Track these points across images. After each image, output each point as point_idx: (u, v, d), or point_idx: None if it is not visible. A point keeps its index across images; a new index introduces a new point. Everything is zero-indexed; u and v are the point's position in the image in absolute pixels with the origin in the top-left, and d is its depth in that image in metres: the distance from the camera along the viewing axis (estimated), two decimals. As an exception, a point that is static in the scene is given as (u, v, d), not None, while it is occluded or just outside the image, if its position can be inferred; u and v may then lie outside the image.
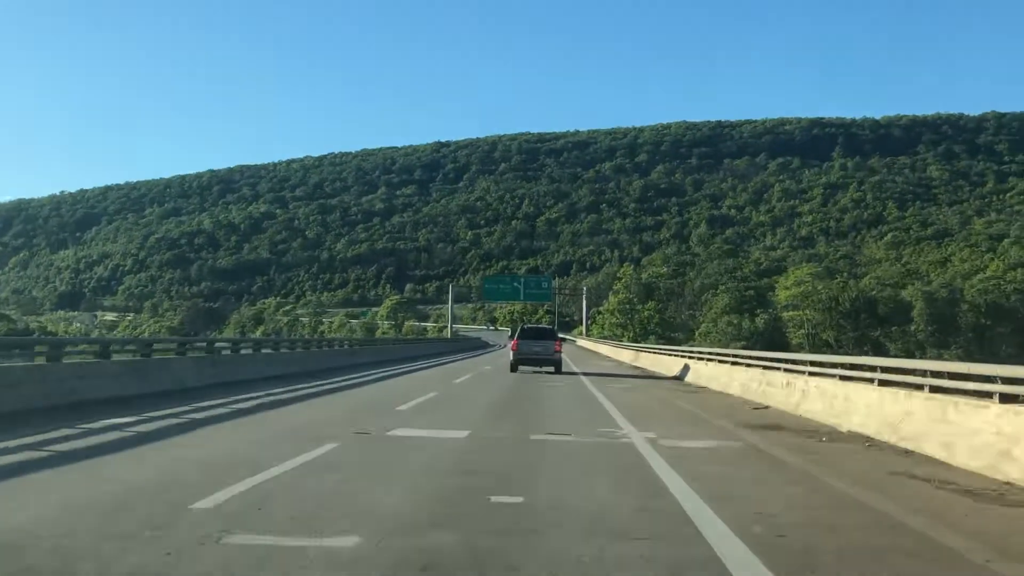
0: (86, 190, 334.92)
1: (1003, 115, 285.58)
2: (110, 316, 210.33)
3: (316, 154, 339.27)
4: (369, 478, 9.17)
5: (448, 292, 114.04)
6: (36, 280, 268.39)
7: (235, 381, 22.52)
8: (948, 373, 12.77)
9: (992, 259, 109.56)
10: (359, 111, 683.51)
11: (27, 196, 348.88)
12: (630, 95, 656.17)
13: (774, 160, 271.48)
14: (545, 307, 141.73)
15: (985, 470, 9.99)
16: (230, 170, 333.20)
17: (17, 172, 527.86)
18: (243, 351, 28.52)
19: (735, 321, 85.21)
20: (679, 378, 32.25)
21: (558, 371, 34.23)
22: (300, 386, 22.93)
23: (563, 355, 38.19)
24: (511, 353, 35.22)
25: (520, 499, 8.06)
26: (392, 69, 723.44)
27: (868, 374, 15.11)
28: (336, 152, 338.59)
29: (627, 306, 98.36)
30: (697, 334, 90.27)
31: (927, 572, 6.22)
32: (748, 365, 24.19)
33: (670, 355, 40.71)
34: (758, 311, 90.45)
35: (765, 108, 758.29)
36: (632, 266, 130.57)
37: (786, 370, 20.20)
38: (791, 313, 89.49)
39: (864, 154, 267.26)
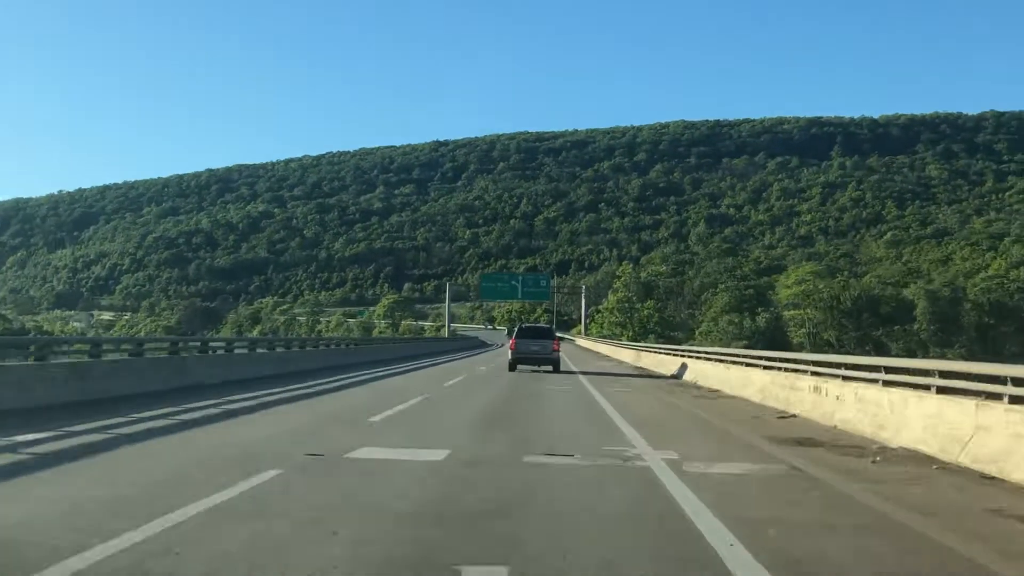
0: (84, 189, 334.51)
1: (1002, 114, 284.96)
2: (106, 316, 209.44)
3: (314, 153, 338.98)
4: (294, 532, 6.62)
5: (445, 291, 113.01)
6: (33, 279, 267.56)
7: (196, 385, 20.36)
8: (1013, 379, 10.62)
9: (994, 258, 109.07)
10: (357, 110, 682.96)
11: (25, 195, 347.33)
12: (628, 94, 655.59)
13: (773, 159, 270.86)
14: (544, 306, 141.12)
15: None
16: (228, 169, 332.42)
17: (15, 171, 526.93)
18: (219, 351, 26.54)
19: (736, 320, 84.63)
20: (687, 380, 30.26)
21: (556, 370, 34.55)
22: (270, 391, 20.44)
23: (562, 355, 38.70)
24: (509, 352, 35.47)
25: (503, 573, 5.69)
26: (391, 68, 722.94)
27: (922, 379, 13.03)
28: (334, 151, 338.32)
29: (626, 305, 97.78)
30: (697, 333, 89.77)
31: None
32: (767, 367, 22.03)
33: (674, 355, 38.52)
34: (759, 310, 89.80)
35: (763, 107, 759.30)
36: (631, 265, 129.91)
37: (814, 373, 18.08)
38: (792, 312, 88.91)
39: (863, 153, 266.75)
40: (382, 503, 7.96)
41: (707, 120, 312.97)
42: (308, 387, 23.14)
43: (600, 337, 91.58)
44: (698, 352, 34.29)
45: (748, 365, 24.09)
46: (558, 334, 43.70)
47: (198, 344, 27.23)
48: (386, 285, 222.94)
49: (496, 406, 19.18)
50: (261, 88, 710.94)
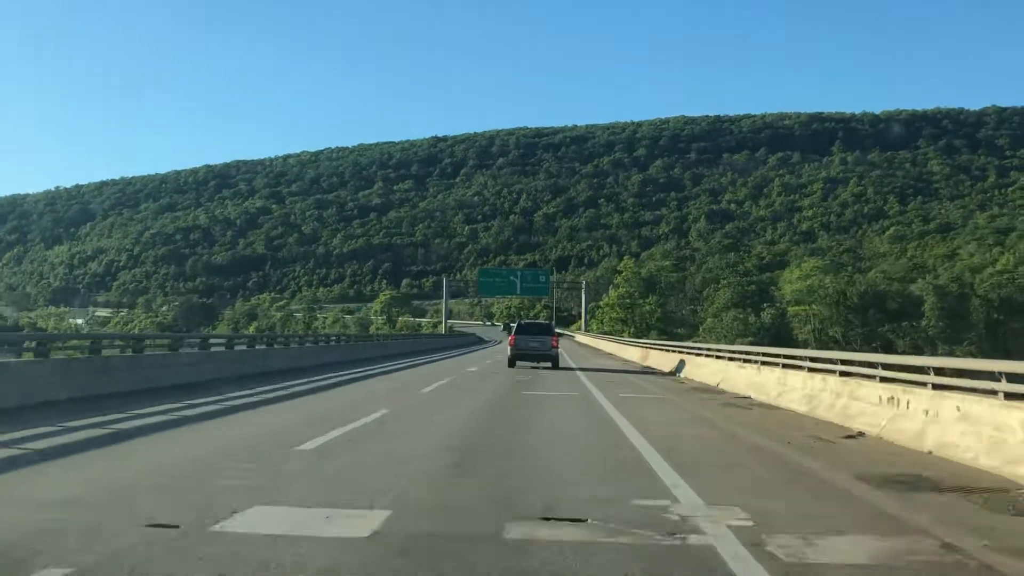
0: (81, 185, 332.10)
1: (1004, 109, 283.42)
2: (102, 312, 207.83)
3: (313, 149, 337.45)
4: None
5: (443, 287, 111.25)
6: (30, 276, 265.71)
7: (108, 394, 16.44)
8: None
9: (1001, 253, 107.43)
10: (356, 106, 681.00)
11: (22, 191, 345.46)
12: (628, 90, 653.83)
13: (773, 155, 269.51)
14: (543, 302, 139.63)
15: None
16: (226, 165, 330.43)
17: (12, 167, 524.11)
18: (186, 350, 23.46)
19: (741, 316, 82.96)
20: (706, 383, 26.54)
21: (555, 366, 34.70)
22: (194, 402, 16.37)
23: (563, 353, 39.33)
24: (508, 348, 35.58)
25: None
26: (389, 63, 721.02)
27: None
28: (333, 147, 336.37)
29: (628, 300, 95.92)
30: (701, 329, 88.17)
31: None
32: (814, 369, 18.45)
33: (688, 353, 34.65)
34: (764, 306, 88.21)
35: (764, 103, 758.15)
36: (633, 260, 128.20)
37: (885, 379, 14.42)
38: (797, 308, 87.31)
39: (864, 148, 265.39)
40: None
41: (707, 115, 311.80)
42: (249, 395, 18.58)
43: (601, 333, 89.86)
44: (720, 351, 29.92)
45: (786, 367, 20.37)
46: (557, 330, 43.53)
47: (128, 343, 24.18)
48: (384, 281, 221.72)
49: (478, 425, 14.68)
50: (260, 84, 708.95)
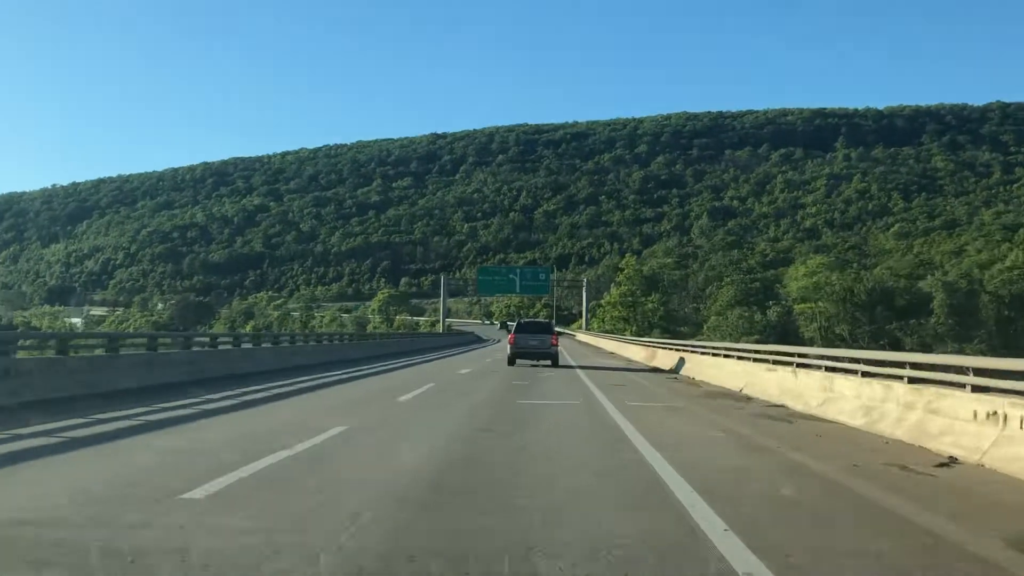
0: (78, 183, 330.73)
1: (1008, 105, 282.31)
2: (98, 311, 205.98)
3: (311, 146, 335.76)
4: None
5: (444, 286, 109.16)
6: (26, 274, 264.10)
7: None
8: None
9: (1010, 249, 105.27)
10: (355, 103, 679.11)
11: (18, 189, 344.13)
12: (629, 86, 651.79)
13: (776, 151, 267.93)
14: (543, 300, 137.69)
15: None
16: (224, 163, 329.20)
17: (9, 165, 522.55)
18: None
19: (747, 314, 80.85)
20: (727, 388, 23.32)
21: (555, 364, 34.53)
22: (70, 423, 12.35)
23: (564, 352, 39.05)
24: (508, 347, 35.44)
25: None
26: (389, 59, 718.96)
27: None
28: (331, 144, 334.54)
29: (630, 299, 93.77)
30: (706, 328, 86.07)
31: None
32: (868, 374, 15.21)
33: (702, 353, 31.10)
34: (770, 303, 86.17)
35: (766, 98, 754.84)
36: (635, 257, 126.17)
37: (978, 388, 11.20)
38: (802, 306, 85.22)
39: (867, 145, 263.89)
40: None
41: (709, 111, 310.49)
42: (191, 406, 15.39)
43: (602, 332, 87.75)
44: (743, 351, 26.02)
45: (831, 370, 17.05)
46: (557, 329, 42.97)
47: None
48: (383, 280, 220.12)
49: (454, 452, 10.78)
50: (258, 81, 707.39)
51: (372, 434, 12.61)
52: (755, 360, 23.21)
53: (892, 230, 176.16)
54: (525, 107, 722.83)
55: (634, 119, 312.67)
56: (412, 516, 7.06)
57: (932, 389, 12.43)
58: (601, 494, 8.22)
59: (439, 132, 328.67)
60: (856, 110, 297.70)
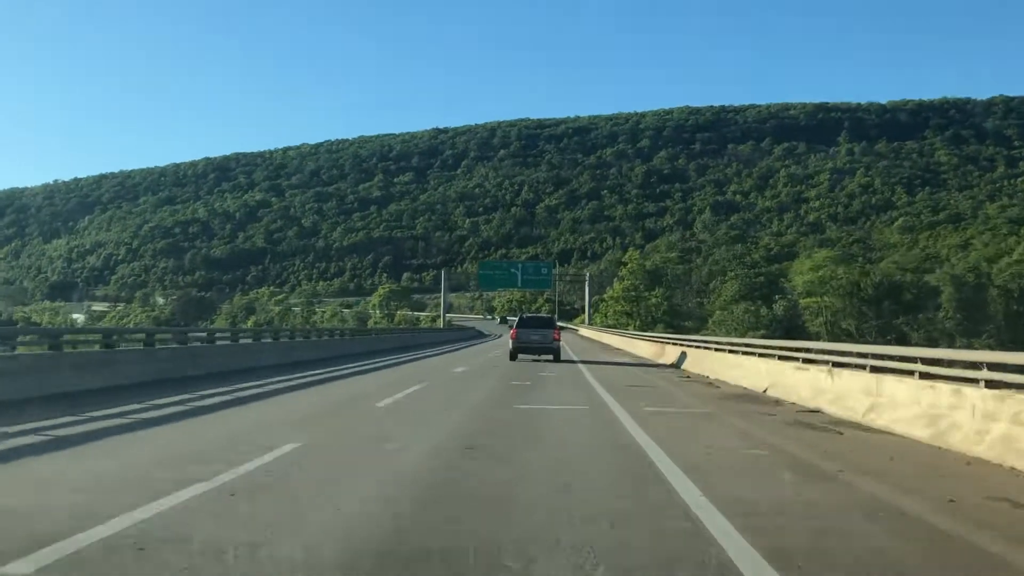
0: (80, 179, 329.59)
1: (1011, 99, 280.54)
2: (99, 307, 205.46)
3: (313, 141, 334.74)
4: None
5: (445, 281, 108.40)
6: (28, 270, 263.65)
7: None
8: None
9: (1018, 242, 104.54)
10: (356, 98, 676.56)
11: (20, 185, 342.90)
12: (631, 80, 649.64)
13: (779, 145, 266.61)
14: (545, 295, 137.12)
15: None
16: (226, 158, 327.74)
17: (10, 160, 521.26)
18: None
19: (752, 308, 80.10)
20: (748, 389, 21.03)
21: (556, 359, 34.69)
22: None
23: (567, 348, 39.45)
24: (510, 342, 35.60)
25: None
26: (390, 54, 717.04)
27: None
28: (333, 139, 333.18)
29: (633, 293, 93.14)
30: (711, 322, 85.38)
31: None
32: (925, 375, 12.91)
33: (717, 350, 28.58)
34: (776, 297, 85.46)
35: (769, 93, 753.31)
36: (638, 251, 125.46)
37: None
38: (808, 300, 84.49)
39: (870, 139, 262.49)
40: None
41: (712, 106, 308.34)
42: (127, 415, 13.39)
43: (605, 327, 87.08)
44: (766, 348, 23.30)
45: (877, 370, 14.58)
46: (560, 324, 43.13)
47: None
48: (385, 275, 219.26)
49: (424, 486, 8.43)
50: (259, 77, 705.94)
51: (326, 456, 10.09)
52: (781, 358, 20.81)
53: (896, 224, 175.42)
54: (527, 102, 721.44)
55: (636, 113, 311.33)
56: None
57: (1020, 397, 10.28)
58: (624, 561, 5.77)
59: (441, 127, 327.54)
60: (859, 104, 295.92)
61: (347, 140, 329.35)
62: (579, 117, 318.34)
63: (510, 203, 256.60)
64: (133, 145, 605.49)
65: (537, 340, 35.00)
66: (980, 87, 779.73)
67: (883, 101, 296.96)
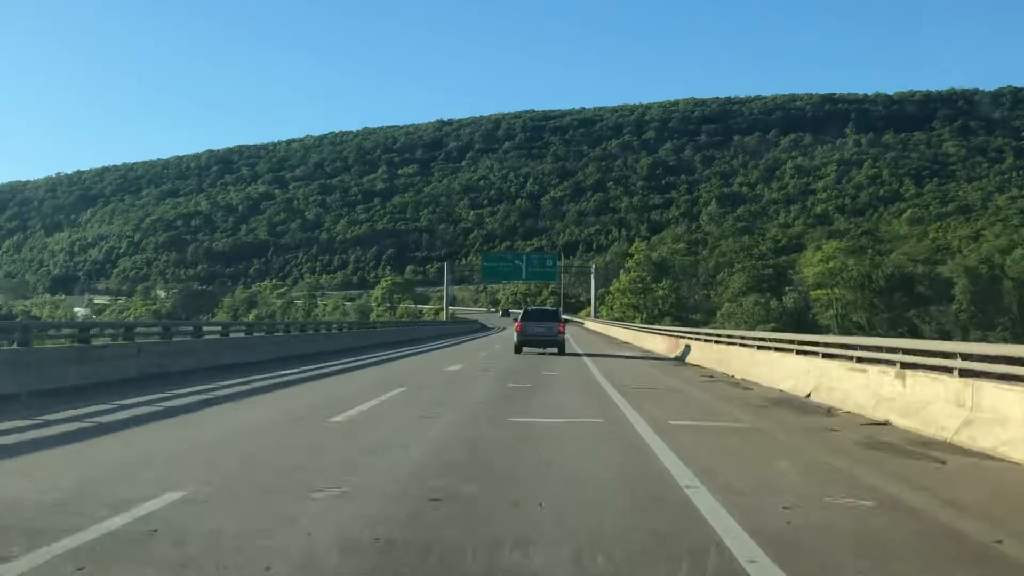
0: (82, 171, 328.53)
1: (1019, 90, 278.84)
2: (101, 300, 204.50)
3: (316, 133, 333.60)
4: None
5: (448, 273, 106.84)
6: (30, 263, 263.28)
7: None
8: None
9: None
10: (360, 90, 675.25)
11: (23, 178, 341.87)
12: (637, 71, 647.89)
13: (786, 136, 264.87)
14: (550, 288, 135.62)
15: None
16: (229, 150, 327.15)
17: (12, 154, 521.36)
18: None
19: (762, 301, 78.49)
20: (788, 394, 17.91)
21: (561, 352, 34.63)
22: None
23: (573, 342, 39.60)
24: (515, 335, 35.96)
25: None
26: (394, 46, 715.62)
27: None
28: (337, 131, 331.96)
29: (639, 285, 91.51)
30: (719, 315, 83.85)
31: None
32: None
33: (742, 345, 25.36)
34: (787, 289, 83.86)
35: (775, 84, 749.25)
36: (645, 243, 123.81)
37: None
38: (818, 292, 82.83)
39: (878, 130, 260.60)
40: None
41: (718, 97, 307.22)
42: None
43: (612, 320, 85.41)
44: (803, 343, 19.79)
45: (969, 374, 11.49)
46: (565, 317, 43.92)
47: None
48: (388, 268, 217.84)
49: (359, 566, 5.61)
50: (263, 68, 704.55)
51: (208, 519, 6.57)
52: (827, 356, 17.57)
53: (904, 216, 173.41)
54: (531, 93, 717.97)
55: (642, 105, 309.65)
56: None
57: None
58: None
59: (445, 119, 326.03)
60: (866, 96, 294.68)
61: (351, 132, 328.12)
62: (584, 109, 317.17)
63: (515, 195, 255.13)
64: (136, 138, 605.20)
65: (542, 333, 35.08)
66: (988, 78, 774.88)
67: (890, 92, 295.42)
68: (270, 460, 9.45)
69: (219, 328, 29.04)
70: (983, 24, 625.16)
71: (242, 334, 29.85)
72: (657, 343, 42.43)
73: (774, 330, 55.05)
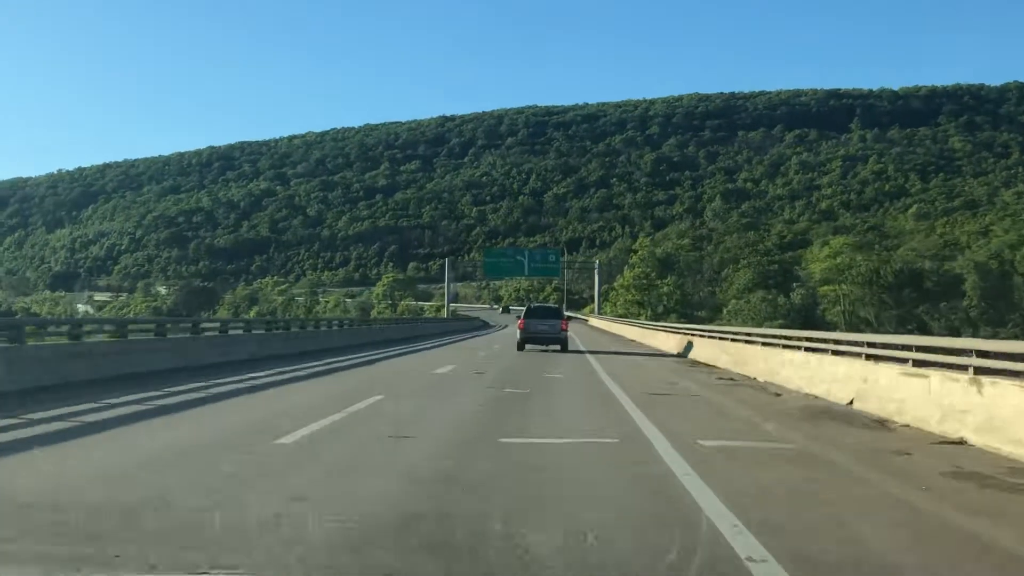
0: (84, 168, 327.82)
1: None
2: (101, 296, 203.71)
3: (318, 130, 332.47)
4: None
5: (450, 269, 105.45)
6: (31, 260, 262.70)
7: None
8: None
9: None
10: (362, 86, 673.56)
11: (24, 175, 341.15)
12: (640, 67, 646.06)
13: (790, 132, 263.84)
14: (553, 284, 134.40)
15: None
16: (230, 147, 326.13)
17: (14, 150, 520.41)
18: None
19: (770, 297, 77.18)
20: (828, 401, 15.57)
21: (564, 349, 34.62)
22: None
23: (577, 340, 39.71)
24: (517, 332, 36.01)
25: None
26: (396, 42, 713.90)
27: None
28: (339, 127, 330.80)
29: (644, 281, 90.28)
30: (725, 312, 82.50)
31: None
32: None
33: (766, 345, 22.75)
34: (795, 286, 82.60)
35: (779, 79, 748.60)
36: (649, 238, 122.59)
37: None
38: (826, 288, 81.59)
39: (883, 126, 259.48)
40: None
41: (722, 92, 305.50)
42: None
43: (616, 317, 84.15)
44: (843, 343, 17.43)
45: None
46: (569, 314, 44.04)
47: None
48: (391, 264, 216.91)
49: None
50: (265, 64, 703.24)
51: None
52: (868, 357, 15.01)
53: (911, 211, 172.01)
54: (534, 89, 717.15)
55: (645, 100, 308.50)
56: None
57: None
58: None
59: (447, 115, 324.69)
60: (871, 91, 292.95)
61: (353, 128, 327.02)
62: (588, 104, 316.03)
63: (518, 191, 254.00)
64: (137, 134, 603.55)
65: (544, 330, 35.23)
66: (994, 73, 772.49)
67: (895, 87, 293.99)
68: (158, 521, 6.45)
69: (190, 325, 27.35)
70: (989, 19, 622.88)
71: (215, 332, 27.77)
72: (666, 341, 40.37)
73: (782, 326, 53.80)
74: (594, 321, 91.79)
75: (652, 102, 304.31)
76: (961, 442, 10.62)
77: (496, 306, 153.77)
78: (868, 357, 15.00)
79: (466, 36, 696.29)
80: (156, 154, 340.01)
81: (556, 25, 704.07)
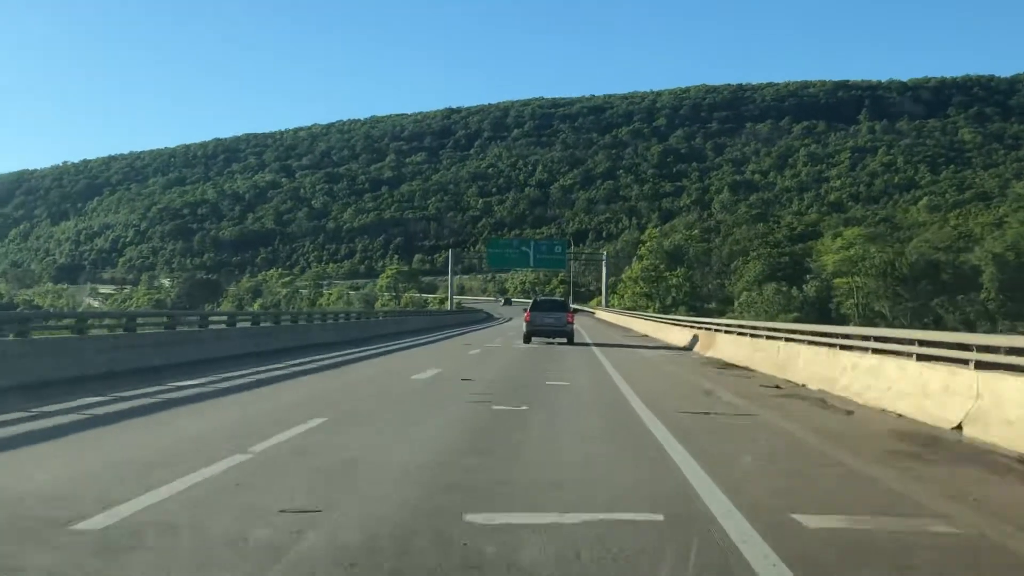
0: (89, 160, 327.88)
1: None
2: (105, 289, 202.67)
3: (324, 121, 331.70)
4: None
5: (455, 261, 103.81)
6: (36, 252, 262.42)
7: None
8: None
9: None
10: (368, 77, 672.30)
11: (29, 167, 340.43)
12: (647, 58, 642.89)
13: (798, 123, 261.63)
14: (560, 276, 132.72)
15: None
16: (236, 139, 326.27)
17: (20, 142, 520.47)
18: None
19: (783, 289, 75.48)
20: (906, 416, 12.33)
21: (570, 342, 34.79)
22: None
23: (585, 334, 40.15)
24: (523, 324, 35.92)
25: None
26: (402, 33, 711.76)
27: None
28: (344, 119, 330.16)
29: (652, 273, 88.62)
30: (736, 304, 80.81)
31: None
32: None
33: (808, 343, 19.42)
34: (808, 278, 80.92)
35: (787, 70, 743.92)
36: (657, 230, 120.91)
37: None
38: (839, 280, 79.94)
39: (892, 117, 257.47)
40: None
41: (729, 84, 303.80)
42: None
43: (624, 309, 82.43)
44: (898, 341, 14.87)
45: None
46: (575, 307, 44.41)
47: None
48: (396, 256, 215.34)
49: None
50: (271, 56, 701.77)
51: None
52: (979, 365, 11.33)
53: (922, 203, 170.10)
54: (541, 81, 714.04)
55: (652, 92, 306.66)
56: None
57: None
58: None
59: (454, 106, 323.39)
60: (880, 82, 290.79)
61: (359, 120, 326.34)
62: (594, 96, 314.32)
63: (524, 183, 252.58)
64: (143, 126, 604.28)
65: (551, 323, 35.23)
66: (1004, 64, 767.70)
67: (904, 78, 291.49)
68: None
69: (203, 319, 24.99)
70: (998, 9, 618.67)
71: (189, 328, 24.40)
72: (681, 336, 37.79)
73: (796, 320, 52.22)
74: (601, 314, 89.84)
75: (659, 94, 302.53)
76: None
77: (502, 298, 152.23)
78: (979, 365, 11.27)
79: (472, 28, 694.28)
80: (161, 146, 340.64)
81: (562, 17, 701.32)
